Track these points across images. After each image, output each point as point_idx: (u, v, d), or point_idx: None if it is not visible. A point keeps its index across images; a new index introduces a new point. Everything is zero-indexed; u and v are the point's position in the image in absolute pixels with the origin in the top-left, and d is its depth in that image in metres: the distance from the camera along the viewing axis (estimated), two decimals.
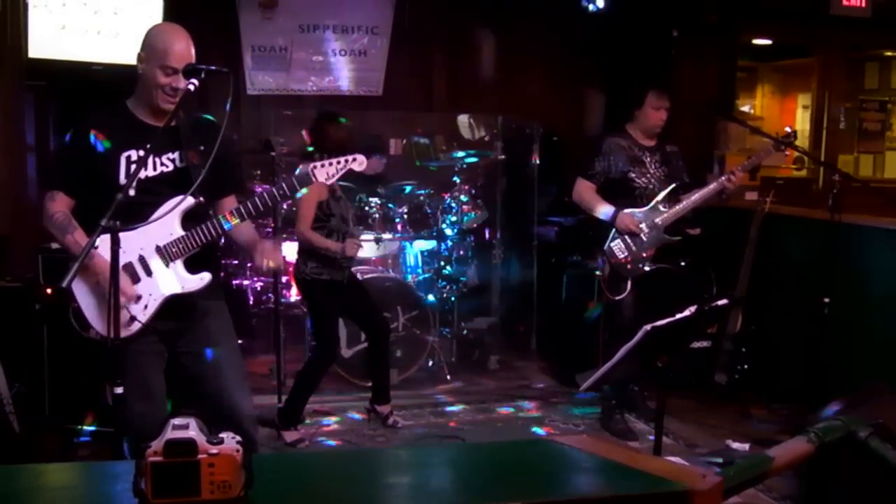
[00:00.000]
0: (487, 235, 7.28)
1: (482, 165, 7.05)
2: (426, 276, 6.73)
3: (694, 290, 5.38)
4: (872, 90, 9.69)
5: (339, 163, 3.40)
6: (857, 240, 5.51)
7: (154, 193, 3.24)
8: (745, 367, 5.71)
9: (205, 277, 3.35)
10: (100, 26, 5.77)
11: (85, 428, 4.85)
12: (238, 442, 1.54)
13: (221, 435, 1.54)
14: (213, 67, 3.21)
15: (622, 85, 7.19)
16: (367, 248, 6.41)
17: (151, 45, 3.28)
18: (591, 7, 7.22)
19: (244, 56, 7.16)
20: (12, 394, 4.67)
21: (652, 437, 5.18)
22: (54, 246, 4.82)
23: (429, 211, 6.60)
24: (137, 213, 3.11)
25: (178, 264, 3.32)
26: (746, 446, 5.13)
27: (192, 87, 3.12)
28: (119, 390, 2.74)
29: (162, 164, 3.33)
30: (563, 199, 6.77)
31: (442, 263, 6.72)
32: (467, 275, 6.91)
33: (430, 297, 6.57)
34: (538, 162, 7.17)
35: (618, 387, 5.37)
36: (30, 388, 4.83)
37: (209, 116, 3.50)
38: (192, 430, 1.52)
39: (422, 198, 6.66)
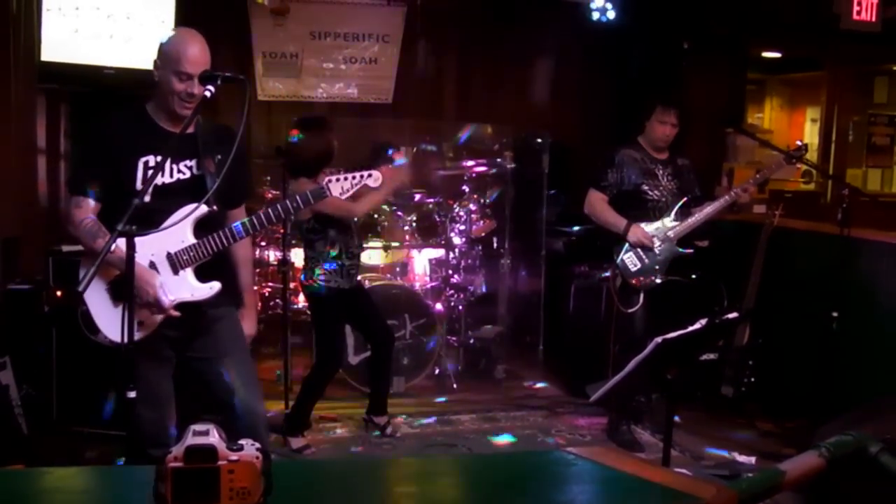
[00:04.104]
0: (496, 244, 7.28)
1: (491, 175, 7.05)
2: (434, 284, 6.73)
3: (705, 303, 5.37)
4: (881, 104, 9.70)
5: (354, 178, 3.41)
6: (866, 254, 5.50)
7: (169, 200, 3.25)
8: (752, 380, 5.70)
9: (214, 286, 3.35)
10: (112, 30, 5.79)
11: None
12: (258, 449, 1.55)
13: (241, 442, 1.55)
14: (230, 74, 3.22)
15: (632, 96, 7.21)
16: (376, 255, 6.44)
17: (166, 52, 3.30)
18: (601, 18, 7.24)
19: (255, 62, 7.19)
20: (21, 395, 4.69)
21: (657, 450, 5.21)
22: (65, 248, 4.86)
23: (437, 219, 6.60)
24: (152, 218, 3.12)
25: (189, 272, 3.32)
26: (753, 459, 5.13)
27: (208, 94, 3.12)
28: (132, 394, 2.75)
29: (179, 171, 3.34)
30: (572, 210, 6.78)
31: (450, 272, 6.72)
32: (475, 283, 6.91)
33: (438, 306, 6.58)
34: (547, 171, 7.18)
35: (625, 398, 5.37)
36: (38, 390, 4.84)
37: (229, 126, 3.51)
38: (212, 436, 1.53)
39: (430, 206, 6.67)
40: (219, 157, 3.32)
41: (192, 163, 3.36)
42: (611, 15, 7.22)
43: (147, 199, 3.20)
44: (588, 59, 7.85)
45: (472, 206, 6.62)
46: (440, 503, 1.84)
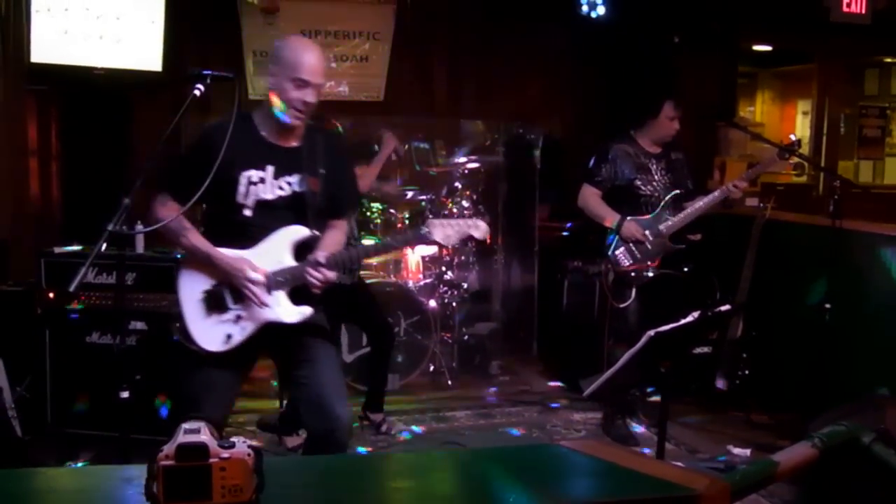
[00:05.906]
0: (488, 241, 7.27)
1: (484, 171, 7.05)
2: (427, 281, 6.73)
3: (697, 296, 5.38)
4: (872, 96, 9.72)
5: (458, 225, 3.32)
6: (858, 246, 5.51)
7: (270, 217, 3.22)
8: (746, 372, 5.71)
9: (304, 311, 3.28)
10: (102, 31, 5.78)
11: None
12: (250, 446, 1.54)
13: (233, 439, 1.55)
14: (219, 73, 3.21)
15: (624, 91, 7.22)
16: None
17: (282, 58, 3.28)
18: (592, 13, 7.23)
19: (246, 61, 7.16)
20: (14, 398, 4.68)
21: (652, 443, 5.22)
22: (56, 250, 4.86)
23: (430, 216, 6.59)
24: (251, 234, 3.13)
25: (282, 294, 3.27)
26: (747, 452, 5.14)
27: (197, 93, 3.11)
28: (125, 394, 2.74)
29: (279, 187, 3.28)
30: (567, 206, 6.77)
31: (443, 269, 6.71)
32: (468, 280, 6.91)
33: (432, 303, 6.57)
34: (539, 167, 7.17)
35: (619, 392, 5.37)
36: (32, 392, 4.83)
37: (339, 134, 3.44)
38: (203, 434, 1.53)
39: (423, 203, 6.66)
40: (322, 171, 3.27)
41: (294, 179, 3.29)
42: (601, 10, 7.22)
43: (249, 213, 3.20)
44: (579, 54, 7.84)
45: (465, 203, 6.61)
46: (434, 498, 1.83)
